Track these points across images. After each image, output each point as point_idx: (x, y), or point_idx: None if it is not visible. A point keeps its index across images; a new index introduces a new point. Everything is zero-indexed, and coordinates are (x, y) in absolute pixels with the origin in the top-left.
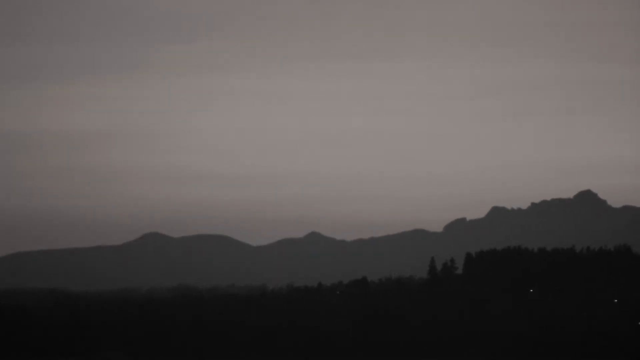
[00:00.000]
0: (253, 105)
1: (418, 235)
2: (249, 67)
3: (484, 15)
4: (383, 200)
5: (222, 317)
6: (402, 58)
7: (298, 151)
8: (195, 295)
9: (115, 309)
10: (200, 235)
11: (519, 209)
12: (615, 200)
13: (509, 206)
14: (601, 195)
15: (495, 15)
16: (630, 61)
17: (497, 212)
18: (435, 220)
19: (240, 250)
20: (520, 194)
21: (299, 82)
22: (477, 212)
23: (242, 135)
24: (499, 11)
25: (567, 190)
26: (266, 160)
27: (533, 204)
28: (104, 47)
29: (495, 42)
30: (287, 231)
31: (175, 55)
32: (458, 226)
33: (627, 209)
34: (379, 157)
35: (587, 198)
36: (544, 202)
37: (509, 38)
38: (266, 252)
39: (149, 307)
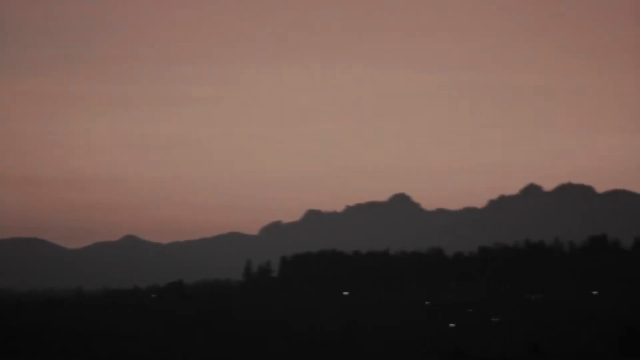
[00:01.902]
0: (63, 110)
1: (234, 238)
2: (60, 71)
3: (307, 21)
4: (199, 203)
5: (42, 321)
6: (219, 61)
7: (114, 155)
8: (12, 299)
9: None
10: (13, 238)
11: (334, 212)
12: (428, 203)
13: (324, 209)
14: (415, 199)
15: (308, 21)
16: (442, 67)
17: (313, 215)
18: (251, 223)
19: (54, 253)
20: (335, 197)
21: (108, 85)
22: (293, 215)
23: (58, 139)
24: (310, 18)
25: (381, 193)
26: (81, 164)
27: (348, 207)
28: None
29: (310, 46)
30: (102, 234)
31: None
32: (274, 229)
33: (440, 212)
34: (195, 161)
35: (401, 201)
36: (358, 205)
37: (326, 44)
38: (81, 255)
39: None
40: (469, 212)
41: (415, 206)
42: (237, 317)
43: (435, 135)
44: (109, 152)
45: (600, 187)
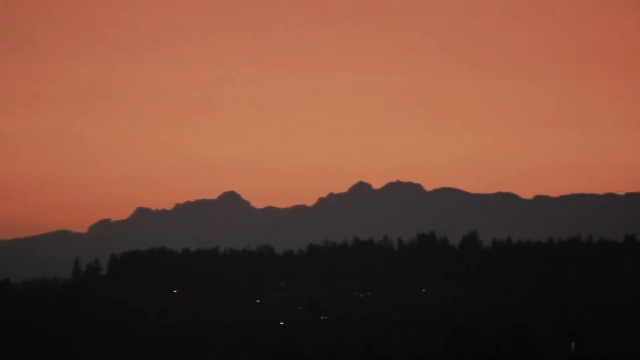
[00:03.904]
0: None
1: (62, 236)
2: None
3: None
4: (27, 201)
5: None
6: (50, 58)
7: None
8: None
9: None
10: None
11: (164, 210)
12: (258, 201)
13: (153, 207)
14: (244, 197)
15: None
16: (274, 66)
17: (142, 213)
18: (80, 221)
19: None
20: (164, 195)
21: None
22: (122, 213)
23: None
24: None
25: (211, 191)
26: None
27: (178, 205)
28: None
29: (137, 43)
30: None
31: None
32: (103, 227)
33: (269, 210)
34: (22, 158)
35: (230, 199)
36: (188, 204)
37: (153, 41)
38: None
39: None
40: (298, 210)
41: (244, 204)
42: (64, 316)
43: (264, 133)
44: None
45: (429, 185)
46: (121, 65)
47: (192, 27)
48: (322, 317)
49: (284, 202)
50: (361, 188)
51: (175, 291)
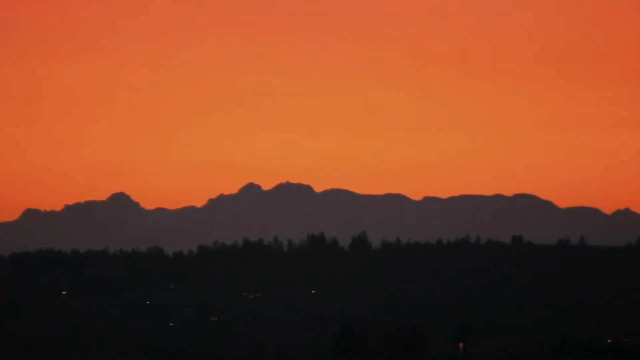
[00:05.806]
0: None
1: None
2: None
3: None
4: None
5: None
6: None
7: None
8: None
9: None
10: None
11: (53, 211)
12: (148, 202)
13: (42, 208)
14: (134, 198)
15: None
16: (171, 67)
17: (31, 214)
18: None
19: None
20: (54, 196)
21: None
22: (10, 214)
23: None
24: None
25: (101, 192)
26: None
27: (67, 206)
28: None
29: (49, 43)
30: None
31: None
32: None
33: (159, 211)
34: None
35: (120, 200)
36: (78, 205)
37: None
38: None
39: None
40: (188, 211)
41: (134, 205)
42: None
43: (154, 134)
44: None
45: (319, 187)
46: (12, 66)
47: (90, 26)
48: (212, 319)
49: (173, 203)
50: (251, 189)
51: (63, 293)
